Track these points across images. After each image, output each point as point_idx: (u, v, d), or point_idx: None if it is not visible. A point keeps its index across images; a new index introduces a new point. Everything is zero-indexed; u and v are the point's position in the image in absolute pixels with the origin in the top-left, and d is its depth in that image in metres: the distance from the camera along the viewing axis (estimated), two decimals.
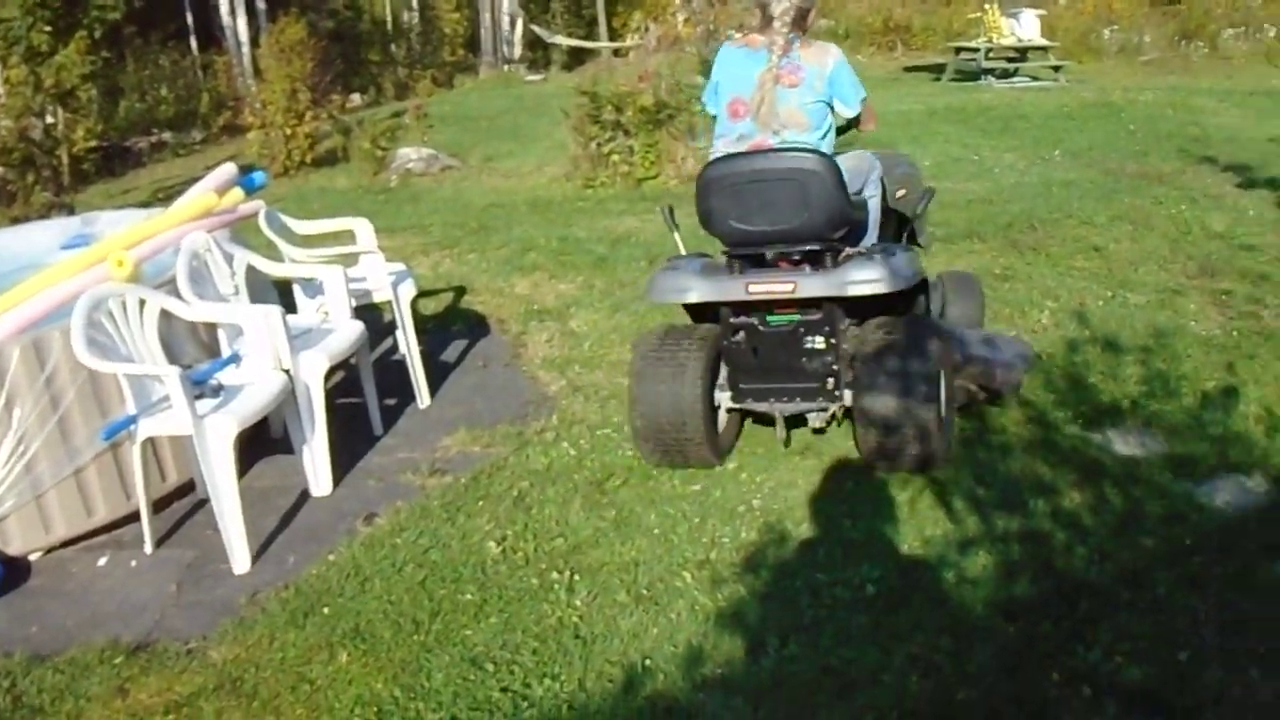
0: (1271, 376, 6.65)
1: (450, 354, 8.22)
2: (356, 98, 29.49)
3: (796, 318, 5.89)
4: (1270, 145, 14.23)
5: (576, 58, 36.51)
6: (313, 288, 7.03)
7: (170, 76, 29.48)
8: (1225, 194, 11.61)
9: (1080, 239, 9.97)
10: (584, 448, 6.28)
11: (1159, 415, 6.21)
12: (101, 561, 5.70)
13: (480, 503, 5.72)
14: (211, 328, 6.31)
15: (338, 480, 6.18)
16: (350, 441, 6.57)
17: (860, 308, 5.87)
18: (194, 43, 34.51)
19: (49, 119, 17.09)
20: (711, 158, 5.91)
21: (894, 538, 5.13)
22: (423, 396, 7.29)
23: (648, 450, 5.99)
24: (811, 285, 5.68)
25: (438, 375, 7.67)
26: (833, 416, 5.98)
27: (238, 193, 7.19)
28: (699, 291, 5.87)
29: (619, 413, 6.67)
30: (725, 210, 5.79)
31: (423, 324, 8.20)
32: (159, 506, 5.95)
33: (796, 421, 6.04)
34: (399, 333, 7.34)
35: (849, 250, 5.83)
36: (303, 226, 7.77)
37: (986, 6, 26.07)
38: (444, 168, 16.15)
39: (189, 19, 35.78)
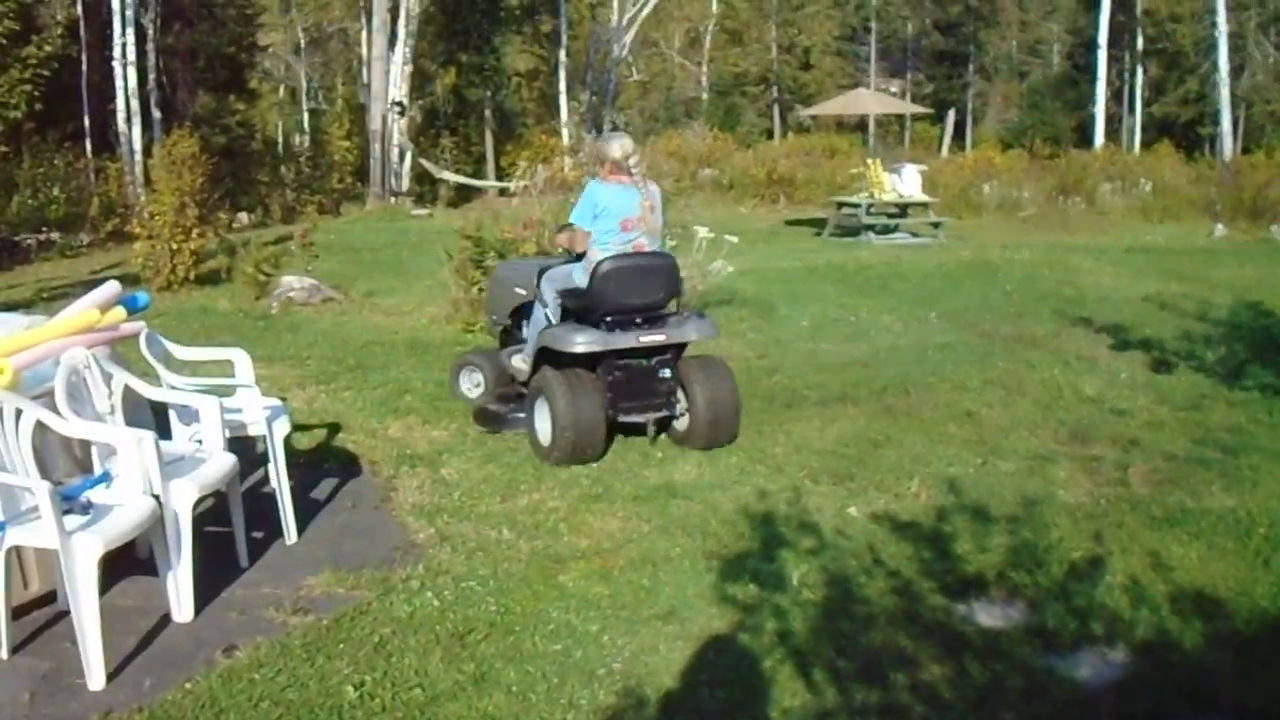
0: (1138, 545, 6.85)
1: (320, 492, 8.21)
2: (244, 216, 29.51)
3: (645, 361, 9.09)
4: (1144, 305, 14.73)
5: (463, 194, 36.85)
6: (189, 414, 7.05)
7: (64, 177, 29.27)
8: (1099, 356, 12.05)
9: (953, 404, 10.21)
10: (448, 599, 6.28)
11: (1024, 586, 6.34)
12: None
13: (341, 645, 5.72)
14: (85, 444, 6.32)
15: (200, 608, 6.14)
16: (215, 570, 6.53)
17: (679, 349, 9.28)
18: (89, 146, 34.36)
19: None
20: (604, 256, 8.84)
21: (752, 708, 5.19)
22: (290, 533, 7.27)
23: (563, 453, 8.65)
24: (674, 334, 9.11)
25: (306, 512, 7.64)
26: (672, 418, 9.20)
27: (120, 311, 7.21)
28: (600, 343, 8.83)
29: (485, 565, 6.73)
30: (618, 289, 8.86)
31: (295, 459, 8.19)
32: (18, 613, 5.92)
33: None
34: (271, 467, 7.35)
35: (676, 314, 9.31)
36: (182, 352, 7.82)
37: (869, 161, 26.63)
38: (325, 299, 16.17)
39: (86, 122, 35.65)
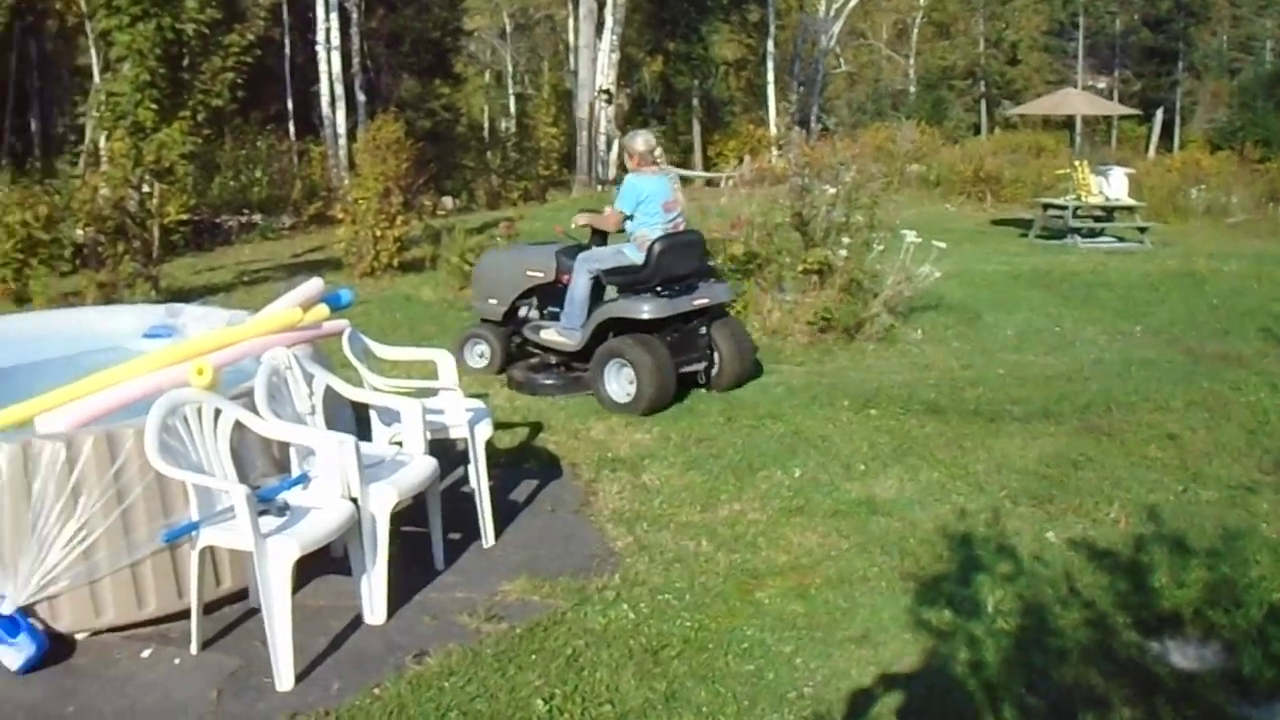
0: None
1: (520, 493, 8.30)
2: (448, 201, 29.86)
3: (689, 323, 11.02)
4: None
5: None
6: (390, 415, 7.19)
7: (266, 160, 29.96)
8: None
9: (1155, 425, 9.90)
10: (643, 611, 6.33)
11: (1221, 626, 6.18)
12: (145, 653, 5.88)
13: (533, 656, 5.79)
14: (284, 445, 6.46)
15: (392, 611, 6.27)
16: (410, 572, 6.67)
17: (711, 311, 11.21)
18: (292, 129, 35.14)
19: (145, 189, 17.47)
20: (655, 235, 10.79)
21: None
22: (488, 536, 7.37)
23: (649, 404, 10.31)
24: (716, 296, 11.22)
25: (505, 515, 7.75)
26: (711, 367, 11.15)
27: (323, 309, 7.38)
28: (668, 309, 10.64)
29: (682, 577, 6.76)
30: (671, 262, 10.72)
31: (495, 458, 8.30)
32: (211, 608, 6.10)
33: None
34: (471, 469, 7.44)
35: (705, 281, 11.25)
36: (385, 351, 7.96)
37: (1076, 163, 26.22)
38: None
39: (289, 105, 36.46)
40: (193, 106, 17.64)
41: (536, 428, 9.83)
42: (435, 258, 18.34)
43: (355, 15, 36.48)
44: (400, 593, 6.39)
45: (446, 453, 7.49)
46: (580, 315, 11.07)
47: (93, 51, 26.47)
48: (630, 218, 11.03)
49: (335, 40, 33.85)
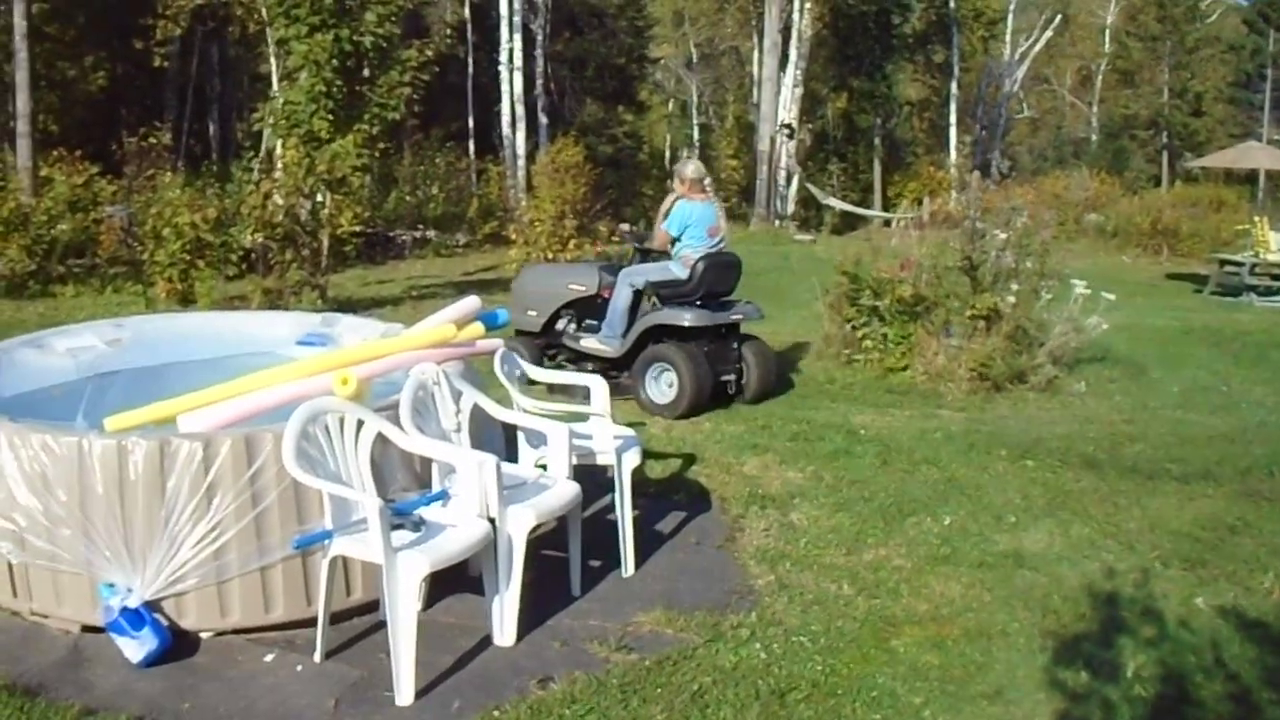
0: None
1: (666, 525, 8.31)
2: (626, 228, 30.06)
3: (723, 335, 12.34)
4: None
5: (848, 222, 36.85)
6: (537, 438, 7.23)
7: (444, 176, 30.35)
8: None
9: None
10: (775, 652, 6.29)
11: None
12: (268, 658, 6.00)
13: (659, 690, 5.78)
14: (426, 460, 6.53)
15: (523, 634, 6.29)
16: (545, 596, 6.69)
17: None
18: (472, 147, 35.56)
19: (318, 199, 17.81)
20: (699, 255, 11.98)
21: None
22: (628, 565, 7.39)
23: (690, 406, 11.46)
24: (748, 314, 12.49)
25: (649, 545, 7.77)
26: (740, 379, 12.31)
27: (478, 327, 7.48)
28: (707, 319, 11.93)
29: (819, 620, 6.71)
30: (712, 279, 12.02)
31: (645, 488, 8.33)
32: (339, 618, 6.21)
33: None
34: (616, 496, 7.47)
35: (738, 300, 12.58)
36: (538, 374, 8.04)
37: (1255, 219, 25.71)
38: None
39: (470, 123, 36.90)
40: (368, 119, 17.98)
41: (689, 459, 9.84)
42: None
43: (540, 37, 36.95)
44: (533, 616, 6.42)
45: (595, 479, 7.54)
46: (621, 325, 12.41)
47: (272, 59, 27.02)
48: (676, 239, 12.25)
49: (519, 61, 34.28)
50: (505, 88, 34.36)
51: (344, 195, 18.17)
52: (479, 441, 6.85)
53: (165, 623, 5.99)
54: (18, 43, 27.86)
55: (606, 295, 12.61)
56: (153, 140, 28.81)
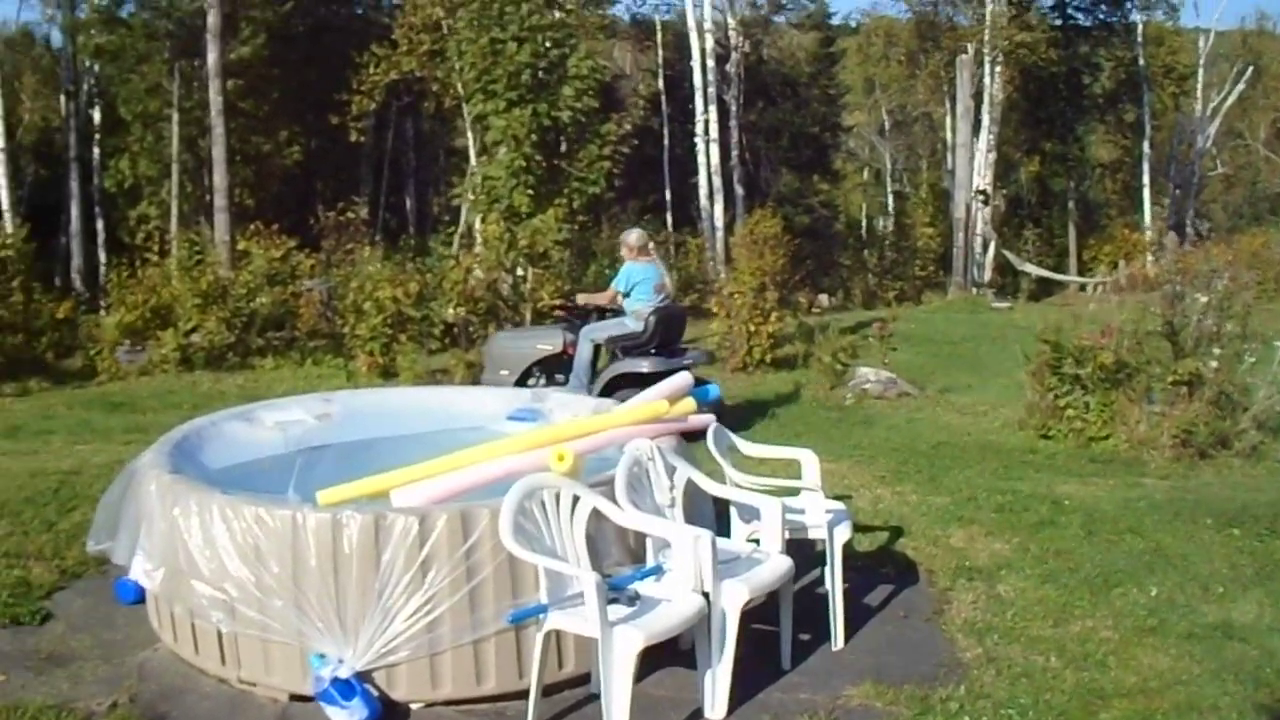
0: None
1: (873, 598, 8.31)
2: (824, 299, 30.11)
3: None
4: None
5: (1044, 288, 36.49)
6: (750, 512, 7.29)
7: None
8: None
9: None
10: None
11: None
12: None
13: None
14: (640, 535, 6.64)
15: (733, 707, 6.34)
16: (755, 668, 6.72)
17: None
18: (670, 219, 35.80)
19: (519, 273, 18.13)
20: (649, 310, 13.63)
21: None
22: (837, 638, 7.40)
23: None
24: (695, 359, 14.04)
25: (857, 618, 7.76)
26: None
27: (690, 402, 7.60)
28: (663, 365, 13.05)
29: (1027, 693, 6.67)
30: (664, 331, 13.62)
31: (852, 560, 8.34)
32: (550, 690, 6.28)
33: None
34: (826, 570, 7.51)
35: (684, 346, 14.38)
36: (750, 449, 8.13)
37: None
38: (901, 393, 16.45)
39: (667, 195, 37.17)
40: (568, 194, 18.27)
41: (896, 532, 9.83)
42: (808, 355, 18.55)
43: (734, 108, 37.13)
44: (743, 689, 6.47)
45: (803, 551, 7.54)
46: (586, 376, 13.99)
47: (469, 134, 27.48)
48: (626, 295, 13.98)
49: (714, 132, 34.50)
50: (701, 159, 34.57)
51: (544, 269, 18.47)
52: (691, 516, 6.96)
53: (376, 693, 6.16)
54: (214, 118, 28.78)
55: (571, 352, 14.26)
56: (350, 214, 29.44)
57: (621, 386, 12.88)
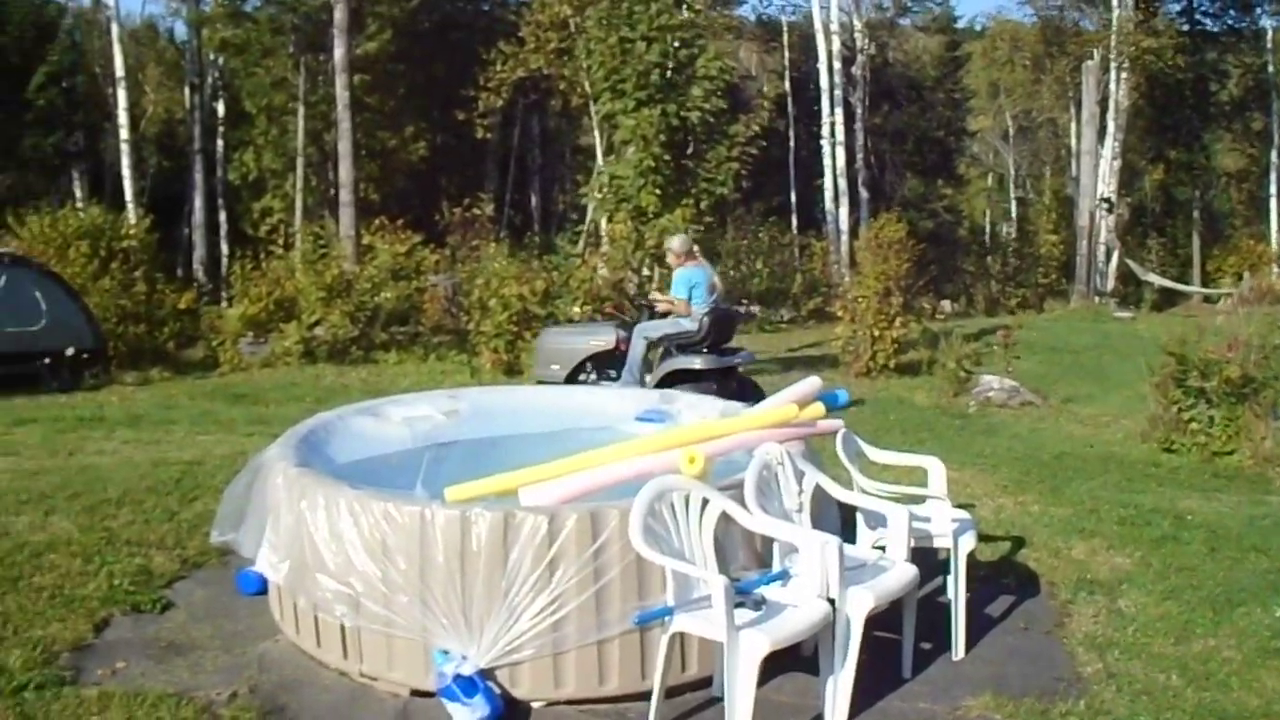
0: None
1: (994, 608, 8.28)
2: (947, 305, 29.97)
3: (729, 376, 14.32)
4: None
5: (1167, 298, 36.11)
6: (876, 519, 7.33)
7: (767, 251, 30.57)
8: None
9: None
10: None
11: None
12: None
13: None
14: (767, 539, 6.67)
15: (854, 714, 6.34)
16: (875, 676, 6.70)
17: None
18: (794, 222, 35.74)
19: (644, 272, 18.20)
20: (704, 311, 14.26)
21: None
22: (958, 648, 7.40)
23: None
24: (745, 356, 14.83)
25: (977, 629, 7.74)
26: None
27: (819, 407, 7.62)
28: (716, 362, 14.09)
29: (1147, 711, 6.62)
30: (717, 331, 14.23)
31: (973, 570, 8.32)
32: (671, 693, 6.30)
33: None
34: (949, 580, 7.51)
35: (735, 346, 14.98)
36: (877, 455, 8.13)
37: None
38: (1024, 402, 16.38)
39: (792, 197, 37.09)
40: (695, 194, 18.29)
41: (1018, 543, 9.78)
42: (932, 362, 18.50)
43: (860, 111, 37.03)
44: (863, 697, 6.46)
45: (925, 560, 7.51)
46: (638, 372, 14.52)
47: (595, 133, 27.59)
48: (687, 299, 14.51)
49: (840, 135, 34.41)
50: (827, 162, 34.53)
51: (669, 269, 18.53)
52: (818, 521, 6.96)
53: (498, 691, 6.22)
54: (340, 113, 29.10)
55: (623, 348, 14.77)
56: (476, 211, 29.63)
57: (677, 382, 13.61)
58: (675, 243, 15.10)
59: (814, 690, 6.43)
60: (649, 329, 14.67)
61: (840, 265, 31.35)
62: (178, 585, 8.64)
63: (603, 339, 15.12)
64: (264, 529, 7.34)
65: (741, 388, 14.30)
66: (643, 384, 14.21)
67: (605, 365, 15.01)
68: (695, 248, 15.13)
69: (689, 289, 14.50)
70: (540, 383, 14.94)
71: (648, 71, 18.55)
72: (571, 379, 14.94)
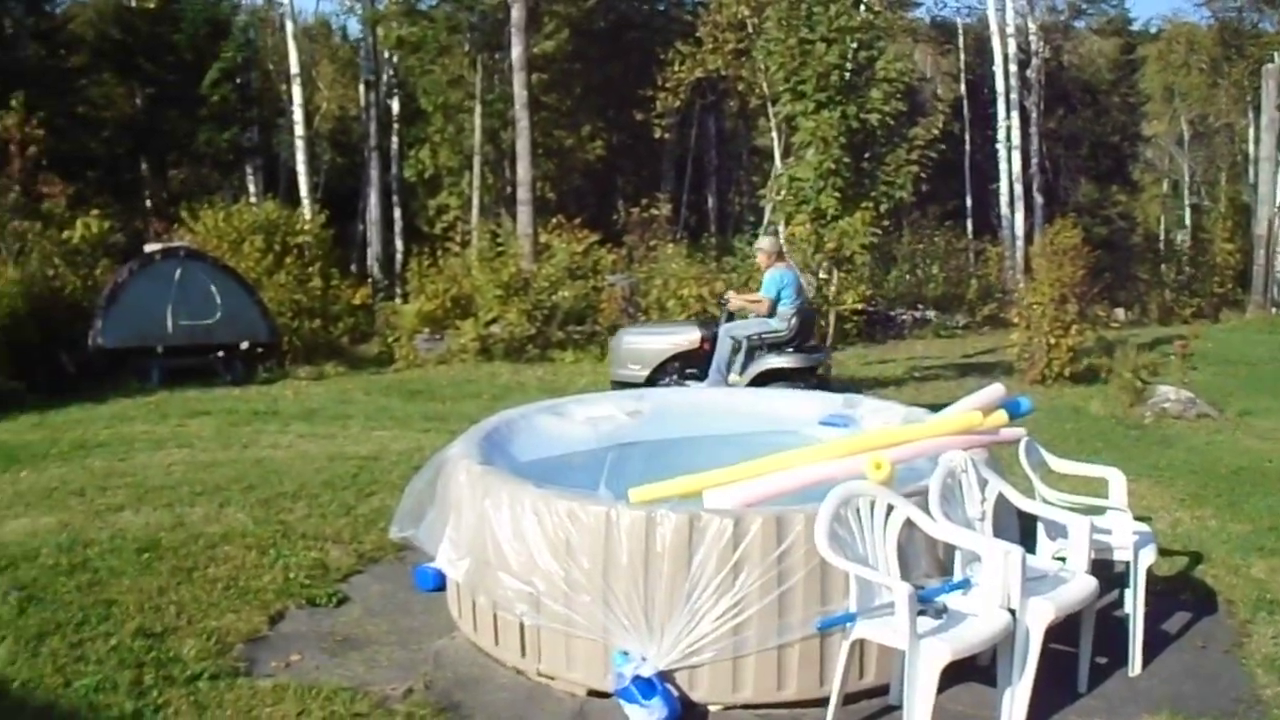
0: None
1: (1171, 625, 8.11)
2: (1120, 313, 29.55)
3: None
4: None
5: None
6: (1056, 529, 7.24)
7: (943, 256, 30.43)
8: None
9: None
10: None
11: None
12: None
13: None
14: (949, 547, 6.62)
15: None
16: (1051, 689, 6.60)
17: None
18: (969, 226, 35.47)
19: (822, 275, 18.16)
20: (793, 311, 14.37)
21: None
22: (1135, 664, 7.27)
23: None
24: (828, 353, 15.65)
25: (1153, 645, 7.58)
26: None
27: (1001, 415, 7.53)
28: (804, 361, 14.33)
29: None
30: (803, 330, 14.49)
31: (1150, 585, 8.19)
32: (846, 699, 6.26)
33: None
34: (1128, 594, 7.38)
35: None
36: (1059, 465, 8.03)
37: None
38: (1200, 414, 16.05)
39: (967, 202, 36.81)
40: (875, 197, 18.19)
41: (1195, 558, 9.57)
42: (1108, 371, 18.24)
43: (1034, 114, 36.63)
44: (1039, 710, 6.38)
45: (1100, 573, 7.34)
46: (723, 371, 14.42)
47: (773, 134, 27.56)
48: (776, 300, 14.59)
49: (1015, 139, 34.08)
50: (1003, 166, 34.25)
51: (848, 273, 18.47)
52: (998, 530, 6.91)
53: (676, 694, 6.24)
54: (518, 111, 29.27)
55: (707, 347, 14.71)
56: (654, 211, 29.70)
57: (769, 381, 14.05)
58: (765, 243, 15.52)
59: (990, 701, 6.37)
60: (736, 329, 14.73)
61: (1015, 271, 31.05)
62: (353, 580, 8.79)
63: (687, 338, 15.16)
64: (445, 526, 7.41)
65: (821, 385, 14.59)
66: (727, 384, 14.34)
67: (689, 365, 15.04)
68: (785, 249, 15.75)
69: (779, 289, 14.68)
70: (616, 383, 15.11)
71: (827, 73, 18.47)
72: (652, 379, 14.98)
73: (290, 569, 8.76)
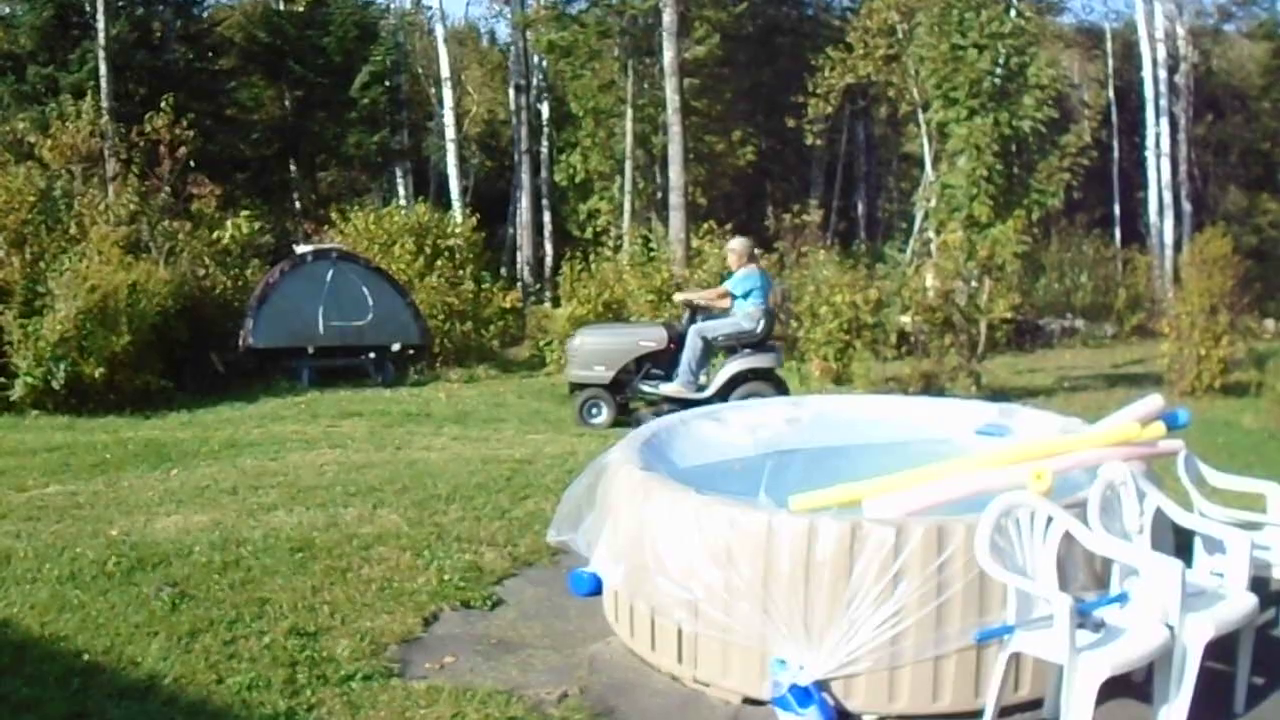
0: None
1: None
2: (1270, 324, 29.01)
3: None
4: None
5: None
6: (1214, 545, 7.07)
7: (1091, 264, 30.11)
8: None
9: None
10: None
11: None
12: None
13: None
14: (1106, 560, 6.50)
15: None
16: (1206, 709, 6.43)
17: None
18: (1117, 235, 35.02)
19: (974, 284, 18.03)
20: (763, 311, 15.48)
21: None
22: None
23: None
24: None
25: None
26: None
27: (1159, 427, 7.39)
28: (775, 361, 15.85)
29: None
30: (768, 329, 15.71)
31: None
32: (1002, 712, 6.18)
33: None
34: None
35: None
36: (1217, 478, 7.87)
37: None
38: None
39: (1115, 210, 36.35)
40: (1027, 205, 18.06)
41: None
42: (1260, 384, 17.93)
43: (1183, 121, 36.09)
44: None
45: (1258, 591, 7.14)
46: (694, 371, 15.44)
47: (924, 140, 27.40)
48: (742, 298, 15.51)
49: (1165, 146, 33.61)
50: (1152, 174, 33.78)
51: (999, 281, 18.31)
52: (1155, 544, 6.80)
53: (831, 702, 6.20)
54: (670, 116, 29.39)
55: (674, 348, 15.64)
56: (805, 217, 29.67)
57: (745, 380, 15.23)
58: (737, 244, 16.24)
59: (1145, 718, 6.24)
60: (708, 329, 15.55)
61: (1163, 280, 30.62)
62: (508, 583, 8.81)
63: (654, 338, 16.00)
64: (603, 530, 7.40)
65: (778, 383, 15.80)
66: (698, 384, 15.34)
67: (657, 364, 15.82)
68: (757, 251, 16.66)
69: (749, 289, 15.48)
70: (575, 385, 16.07)
71: (979, 79, 18.40)
72: (617, 380, 15.83)
73: (445, 571, 8.80)
